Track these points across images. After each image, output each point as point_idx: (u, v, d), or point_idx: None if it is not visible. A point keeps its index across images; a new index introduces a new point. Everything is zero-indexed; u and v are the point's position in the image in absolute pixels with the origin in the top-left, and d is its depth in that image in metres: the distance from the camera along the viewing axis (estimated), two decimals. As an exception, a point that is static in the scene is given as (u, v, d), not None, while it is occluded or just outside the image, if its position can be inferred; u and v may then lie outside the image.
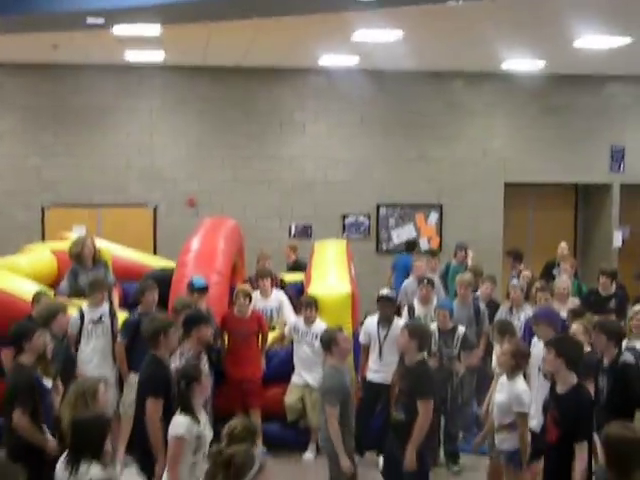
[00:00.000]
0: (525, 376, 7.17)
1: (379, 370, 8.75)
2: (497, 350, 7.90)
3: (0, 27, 10.14)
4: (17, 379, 6.43)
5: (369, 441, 8.59)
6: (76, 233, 12.50)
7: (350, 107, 15.42)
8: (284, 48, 13.06)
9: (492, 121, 15.87)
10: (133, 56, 13.76)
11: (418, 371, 6.79)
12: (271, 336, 9.45)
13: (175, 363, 7.08)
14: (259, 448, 5.42)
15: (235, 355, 8.92)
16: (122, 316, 8.95)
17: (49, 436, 6.25)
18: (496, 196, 15.85)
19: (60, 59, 14.00)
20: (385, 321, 8.85)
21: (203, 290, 8.82)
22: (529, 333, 8.33)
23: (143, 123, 15.08)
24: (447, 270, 12.39)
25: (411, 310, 9.71)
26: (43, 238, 14.13)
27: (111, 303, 8.90)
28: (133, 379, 8.87)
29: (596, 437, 5.94)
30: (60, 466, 5.06)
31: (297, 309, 9.56)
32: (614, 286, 10.30)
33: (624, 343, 7.02)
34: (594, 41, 12.04)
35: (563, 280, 10.21)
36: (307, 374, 8.94)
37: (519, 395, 6.79)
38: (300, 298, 9.55)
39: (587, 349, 7.17)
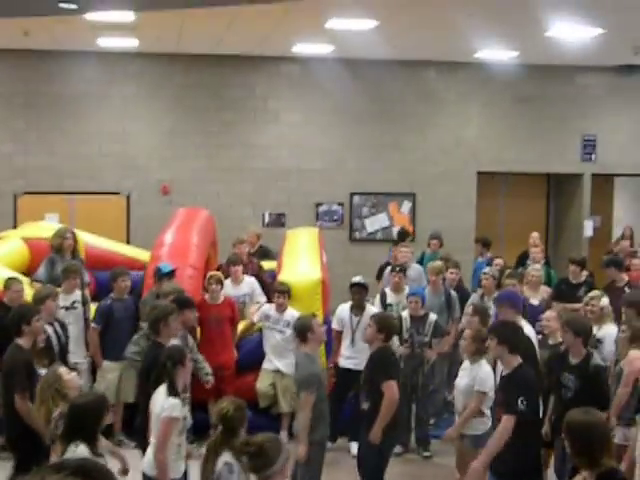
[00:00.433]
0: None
1: (351, 356, 8.82)
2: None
3: (-30, 12, 10.04)
4: (15, 361, 6.55)
5: (341, 427, 8.65)
6: (49, 221, 12.45)
7: (324, 96, 15.43)
8: (258, 36, 13.04)
9: (465, 110, 15.94)
10: (106, 43, 13.67)
11: (378, 355, 6.95)
12: (241, 325, 9.48)
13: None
14: None
15: (209, 343, 8.91)
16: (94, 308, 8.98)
17: None
18: (469, 185, 15.95)
19: (32, 45, 13.88)
20: (358, 308, 8.92)
21: (170, 275, 8.84)
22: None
23: (116, 110, 15.00)
24: (422, 259, 12.47)
25: (383, 297, 9.77)
26: (15, 226, 14.04)
27: (83, 290, 8.89)
28: (107, 366, 8.90)
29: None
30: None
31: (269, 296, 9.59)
32: (584, 274, 10.45)
33: None
34: (566, 31, 12.13)
35: (534, 268, 10.34)
36: (278, 361, 8.98)
37: (482, 377, 6.93)
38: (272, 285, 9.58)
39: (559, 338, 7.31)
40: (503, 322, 7.11)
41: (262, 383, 9.07)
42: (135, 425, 6.94)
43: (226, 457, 5.01)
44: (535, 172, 16.46)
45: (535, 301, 9.66)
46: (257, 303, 9.72)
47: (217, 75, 15.14)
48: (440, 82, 15.76)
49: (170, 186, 15.03)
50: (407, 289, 9.66)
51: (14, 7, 9.52)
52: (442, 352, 9.22)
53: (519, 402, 5.98)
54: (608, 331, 7.87)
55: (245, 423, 5.16)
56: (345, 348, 8.95)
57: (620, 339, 7.37)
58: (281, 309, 8.99)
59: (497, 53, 14.47)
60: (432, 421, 9.29)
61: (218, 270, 10.40)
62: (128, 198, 15.07)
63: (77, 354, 8.48)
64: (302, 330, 6.93)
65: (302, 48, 14.15)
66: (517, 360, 6.20)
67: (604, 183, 16.70)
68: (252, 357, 9.21)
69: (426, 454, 8.93)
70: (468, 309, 9.15)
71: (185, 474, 6.01)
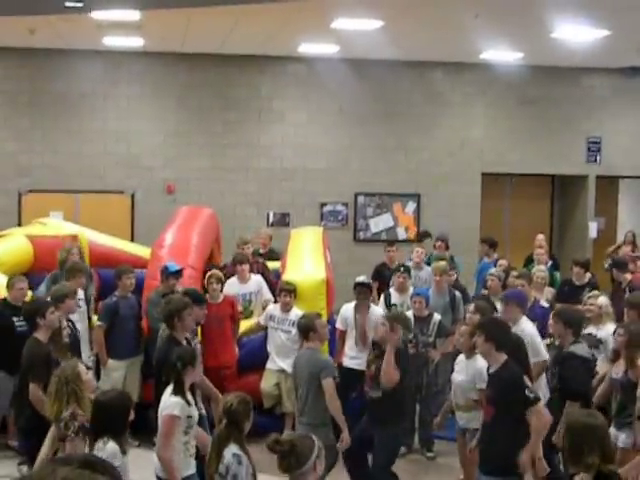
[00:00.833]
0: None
1: (356, 356, 8.81)
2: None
3: (-23, 10, 10.06)
4: (33, 354, 6.66)
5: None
6: (53, 219, 12.44)
7: (329, 96, 15.43)
8: (263, 36, 13.04)
9: (470, 111, 15.94)
10: (111, 42, 13.68)
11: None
12: (247, 323, 9.46)
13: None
14: None
15: (211, 342, 8.88)
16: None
17: None
18: (473, 186, 15.94)
19: (37, 44, 13.89)
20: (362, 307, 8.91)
21: (177, 274, 8.83)
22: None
23: (121, 109, 15.01)
24: (429, 260, 12.45)
25: (387, 298, 9.76)
26: (20, 224, 14.05)
27: (87, 289, 8.88)
28: (111, 365, 8.87)
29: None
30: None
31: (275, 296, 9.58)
32: (587, 276, 10.45)
33: None
34: (572, 33, 12.13)
35: (540, 269, 10.33)
36: (282, 361, 8.94)
37: (481, 373, 6.91)
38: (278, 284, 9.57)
39: None
40: (492, 319, 7.13)
41: (267, 383, 9.04)
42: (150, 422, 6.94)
43: (233, 449, 5.03)
44: (540, 173, 16.45)
45: (545, 303, 9.64)
46: (265, 301, 9.73)
47: (222, 75, 15.14)
48: (445, 83, 15.76)
49: (175, 185, 15.04)
50: (411, 289, 9.66)
51: (20, 5, 9.54)
52: (446, 352, 9.20)
53: (527, 393, 5.98)
54: (609, 331, 7.83)
55: (250, 417, 5.18)
56: (349, 348, 8.93)
57: (615, 341, 7.26)
58: (286, 308, 8.97)
59: (503, 54, 14.47)
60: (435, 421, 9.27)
61: (223, 270, 10.40)
62: (132, 197, 15.08)
63: (82, 352, 8.46)
64: (305, 329, 6.95)
65: (307, 48, 14.15)
66: (503, 357, 6.19)
67: (609, 185, 16.69)
68: (254, 358, 9.19)
69: (430, 455, 8.92)
70: (470, 307, 9.13)
71: (200, 471, 5.98)
